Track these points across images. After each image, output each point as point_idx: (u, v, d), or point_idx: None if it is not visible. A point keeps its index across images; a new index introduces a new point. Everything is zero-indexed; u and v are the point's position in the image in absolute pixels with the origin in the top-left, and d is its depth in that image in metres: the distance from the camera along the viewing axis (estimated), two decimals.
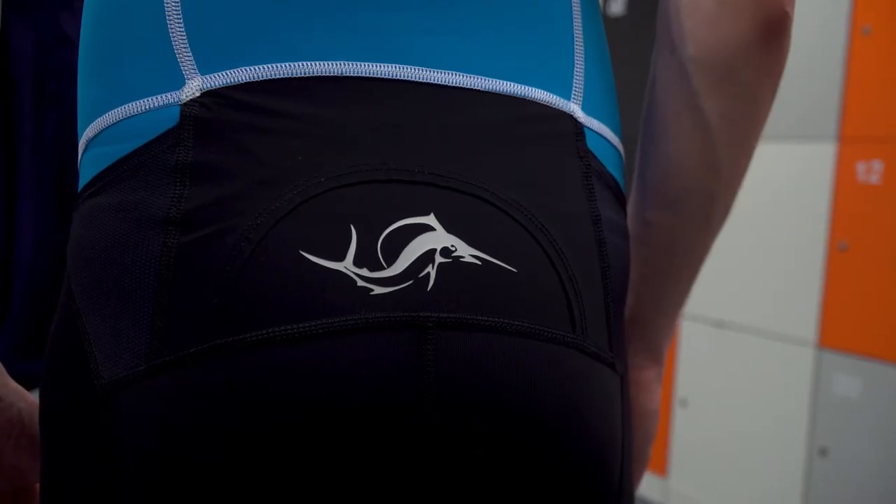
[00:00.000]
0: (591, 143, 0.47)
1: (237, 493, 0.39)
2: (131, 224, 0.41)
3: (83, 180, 0.45)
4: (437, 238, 0.41)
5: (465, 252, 0.41)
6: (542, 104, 0.46)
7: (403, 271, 0.40)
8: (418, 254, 0.41)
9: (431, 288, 0.41)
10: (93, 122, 0.44)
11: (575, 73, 0.48)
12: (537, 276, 0.43)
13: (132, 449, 0.40)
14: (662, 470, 2.58)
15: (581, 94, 0.48)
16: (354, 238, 0.40)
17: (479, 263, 0.42)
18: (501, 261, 0.42)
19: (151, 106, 0.42)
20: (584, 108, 0.48)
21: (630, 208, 0.59)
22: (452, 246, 0.41)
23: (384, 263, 0.40)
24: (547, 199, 0.44)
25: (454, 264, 0.41)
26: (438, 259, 0.41)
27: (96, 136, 0.44)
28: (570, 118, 0.47)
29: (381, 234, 0.40)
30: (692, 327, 2.48)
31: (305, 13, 0.43)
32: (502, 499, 0.43)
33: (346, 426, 0.39)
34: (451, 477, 0.42)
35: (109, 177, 0.43)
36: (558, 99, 0.47)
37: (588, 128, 0.48)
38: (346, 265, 0.40)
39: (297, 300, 0.39)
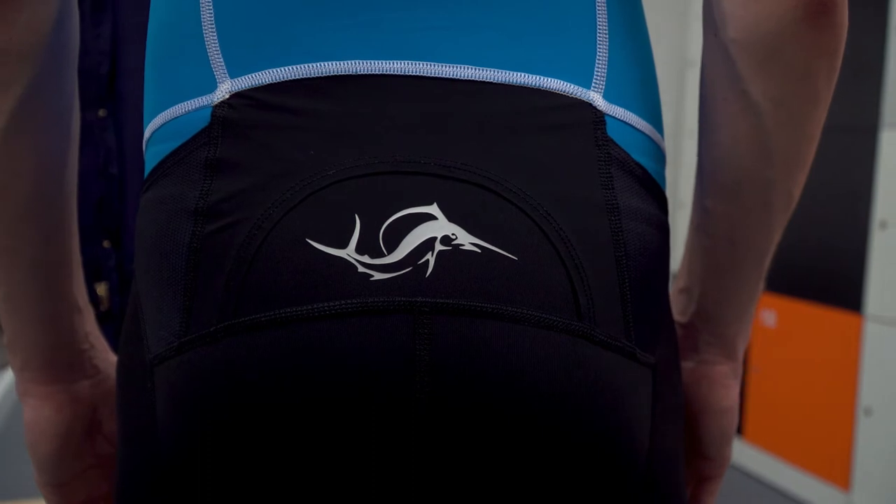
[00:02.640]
0: (612, 132, 0.47)
1: (244, 464, 0.43)
2: (170, 215, 0.46)
3: (145, 177, 0.50)
4: (439, 227, 0.43)
5: (466, 240, 0.43)
6: (558, 94, 0.46)
7: (403, 258, 0.42)
8: (419, 242, 0.42)
9: (430, 275, 0.42)
10: (149, 123, 0.49)
11: (597, 61, 0.47)
12: (539, 264, 0.43)
13: (162, 419, 0.45)
14: (845, 483, 2.40)
15: (603, 83, 0.47)
16: (358, 226, 0.42)
17: (479, 251, 0.43)
18: (502, 248, 0.43)
19: (190, 108, 0.47)
20: (606, 97, 0.47)
21: (693, 197, 0.57)
22: (453, 234, 0.43)
23: (385, 251, 0.42)
24: (556, 188, 0.45)
25: (453, 252, 0.42)
26: (438, 247, 0.42)
27: (151, 136, 0.49)
28: (589, 107, 0.47)
29: (383, 222, 0.43)
30: (878, 330, 2.29)
31: (325, 16, 0.46)
32: (492, 485, 0.43)
33: (341, 406, 0.42)
34: (440, 460, 0.43)
35: (158, 173, 0.48)
36: (576, 88, 0.46)
37: (610, 116, 0.47)
38: (349, 252, 0.42)
39: (301, 284, 0.42)
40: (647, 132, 0.49)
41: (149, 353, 0.47)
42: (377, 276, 0.42)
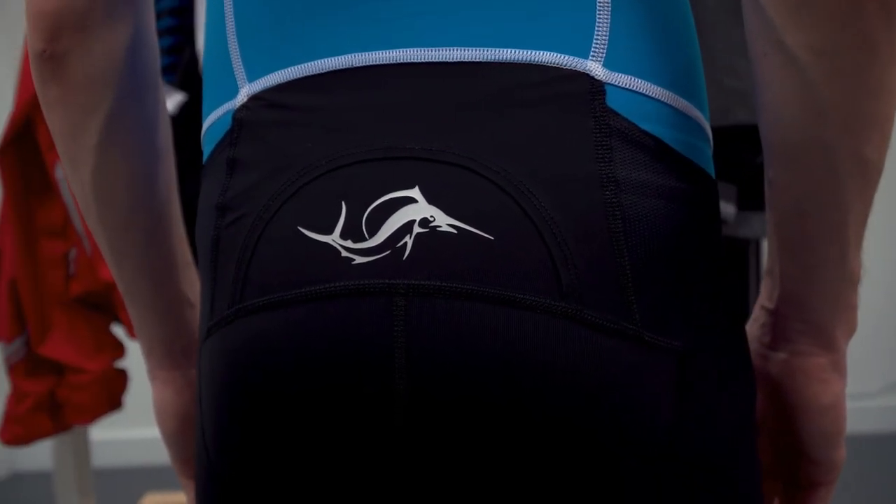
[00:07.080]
0: (614, 101, 0.44)
1: (249, 442, 0.46)
2: (205, 212, 0.51)
3: None
4: (419, 209, 0.43)
5: (443, 221, 0.42)
6: (551, 66, 0.44)
7: (383, 242, 0.43)
8: (398, 225, 0.43)
9: (407, 257, 0.43)
10: (202, 129, 0.55)
11: (597, 29, 0.45)
12: (517, 243, 0.42)
13: (199, 399, 0.50)
14: None
15: (603, 51, 0.44)
16: (343, 212, 0.44)
17: (455, 232, 0.42)
18: (479, 229, 0.42)
19: (221, 113, 0.51)
20: (606, 65, 0.44)
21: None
22: (431, 216, 0.43)
23: (366, 235, 0.43)
24: (540, 164, 0.43)
25: (431, 234, 0.42)
26: (416, 229, 0.43)
27: (202, 141, 0.54)
28: (586, 77, 0.44)
29: (367, 208, 0.44)
30: None
31: (326, 15, 0.47)
32: (474, 465, 0.43)
33: (328, 387, 0.43)
34: (424, 438, 0.43)
35: (203, 174, 0.53)
36: (571, 59, 0.44)
37: (612, 85, 0.44)
38: (334, 238, 0.44)
39: (292, 269, 0.45)
40: (663, 99, 0.46)
41: (200, 339, 0.52)
42: (358, 259, 0.43)
